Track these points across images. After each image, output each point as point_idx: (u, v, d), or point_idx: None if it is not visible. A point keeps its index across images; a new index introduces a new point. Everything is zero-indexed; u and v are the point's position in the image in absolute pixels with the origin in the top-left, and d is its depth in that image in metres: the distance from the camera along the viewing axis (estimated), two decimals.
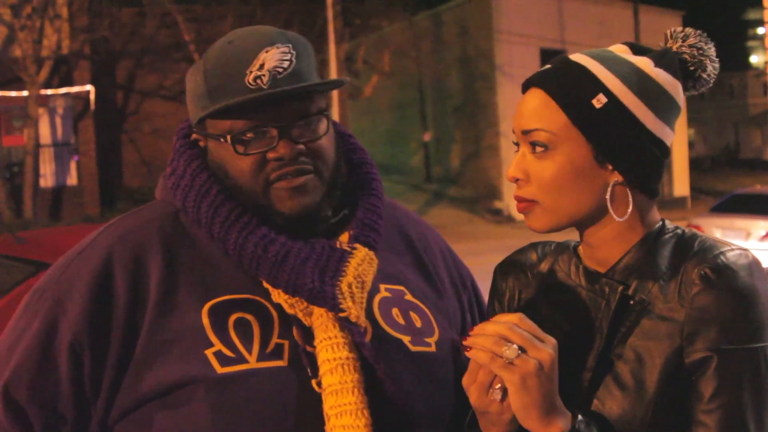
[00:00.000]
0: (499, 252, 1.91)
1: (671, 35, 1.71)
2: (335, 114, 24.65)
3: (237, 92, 1.60)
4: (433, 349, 1.72)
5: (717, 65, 1.71)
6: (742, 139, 52.71)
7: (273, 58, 1.62)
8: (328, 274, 1.62)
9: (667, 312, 1.57)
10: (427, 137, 35.39)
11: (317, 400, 1.55)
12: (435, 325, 1.77)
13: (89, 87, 23.22)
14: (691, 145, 47.56)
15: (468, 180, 33.61)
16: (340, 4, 25.08)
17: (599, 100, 1.60)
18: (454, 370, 1.73)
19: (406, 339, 1.70)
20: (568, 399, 1.58)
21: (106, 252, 1.63)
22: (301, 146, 1.63)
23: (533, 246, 1.86)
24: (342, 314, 1.59)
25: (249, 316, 1.60)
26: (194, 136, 1.74)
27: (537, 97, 1.65)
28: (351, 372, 1.56)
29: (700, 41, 1.69)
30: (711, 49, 1.70)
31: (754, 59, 58.14)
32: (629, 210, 1.63)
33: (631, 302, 1.61)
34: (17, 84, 22.03)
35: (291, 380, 1.56)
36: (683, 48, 1.69)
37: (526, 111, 1.65)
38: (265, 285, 1.62)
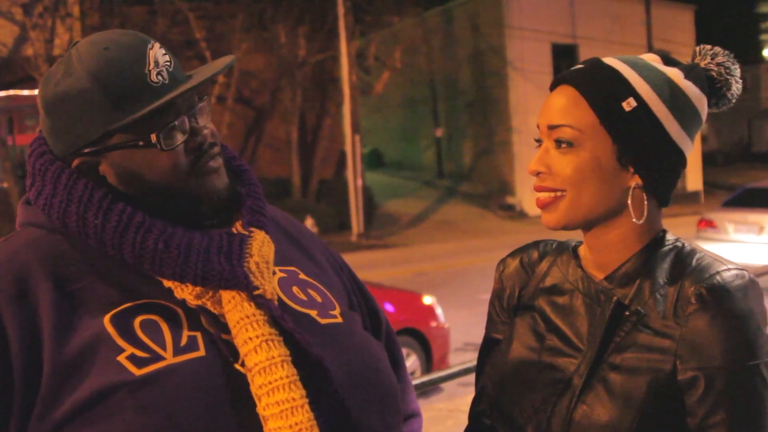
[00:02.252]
0: (512, 248, 1.91)
1: (700, 52, 1.74)
2: (346, 111, 24.66)
3: (144, 93, 1.57)
4: (340, 320, 1.72)
5: (740, 86, 1.74)
6: (754, 134, 52.52)
7: (159, 54, 1.62)
8: (234, 257, 1.61)
9: (662, 327, 1.59)
10: (438, 133, 35.41)
11: (243, 382, 1.52)
12: (333, 300, 1.77)
13: None
14: (704, 139, 47.38)
15: (480, 176, 33.59)
16: (350, 0, 25.08)
17: (629, 104, 1.62)
18: (360, 337, 1.74)
19: (313, 313, 1.69)
20: (559, 402, 1.62)
21: None
22: (208, 129, 1.66)
23: (535, 244, 1.87)
24: (257, 292, 1.57)
25: (154, 317, 1.55)
26: (79, 161, 1.63)
27: (567, 94, 1.66)
28: (277, 347, 1.53)
29: (727, 61, 1.72)
30: (737, 70, 1.73)
31: (767, 53, 57.89)
32: (644, 214, 1.65)
33: (627, 313, 1.63)
34: (29, 83, 22.11)
35: (213, 368, 1.52)
36: (711, 65, 1.72)
37: (555, 106, 1.66)
38: (166, 284, 1.57)
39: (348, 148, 24.85)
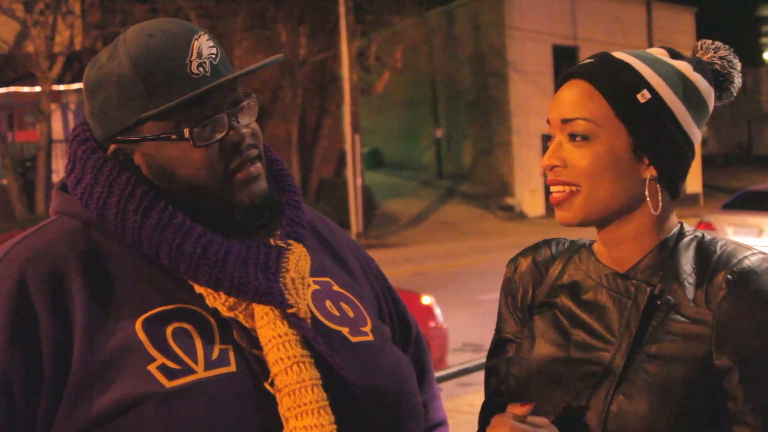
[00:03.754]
0: (511, 248, 1.91)
1: (702, 47, 1.75)
2: (347, 110, 24.65)
3: (183, 83, 1.53)
4: (371, 337, 1.69)
5: (741, 80, 1.76)
6: (754, 136, 52.49)
7: (204, 45, 1.58)
8: (270, 271, 1.57)
9: (694, 314, 1.60)
10: (439, 134, 35.40)
11: (272, 402, 1.49)
12: (365, 314, 1.74)
13: None
14: (703, 141, 47.30)
15: (479, 176, 33.59)
16: (351, 0, 25.07)
17: (644, 96, 1.63)
18: (390, 355, 1.72)
19: (345, 330, 1.66)
20: (595, 395, 1.62)
21: (18, 276, 1.49)
22: (249, 129, 1.61)
23: (546, 243, 1.87)
24: (290, 310, 1.54)
25: (186, 325, 1.51)
26: (114, 147, 1.59)
27: (579, 87, 1.66)
28: (308, 369, 1.50)
29: (729, 54, 1.74)
30: (738, 63, 1.75)
31: (767, 56, 57.87)
32: (660, 206, 1.66)
33: (658, 302, 1.63)
34: (30, 80, 22.11)
35: (243, 385, 1.49)
36: (714, 59, 1.73)
37: (568, 100, 1.67)
38: (198, 290, 1.54)
39: (348, 148, 24.84)
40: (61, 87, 22.66)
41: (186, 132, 1.54)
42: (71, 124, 23.80)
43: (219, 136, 1.56)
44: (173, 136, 1.55)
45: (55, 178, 22.95)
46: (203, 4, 25.07)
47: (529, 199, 31.49)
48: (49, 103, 21.76)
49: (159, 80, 1.53)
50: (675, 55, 1.71)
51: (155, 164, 1.58)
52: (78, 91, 23.39)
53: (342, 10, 24.41)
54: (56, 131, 23.21)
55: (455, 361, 8.36)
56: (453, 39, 34.75)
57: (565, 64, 32.15)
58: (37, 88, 21.80)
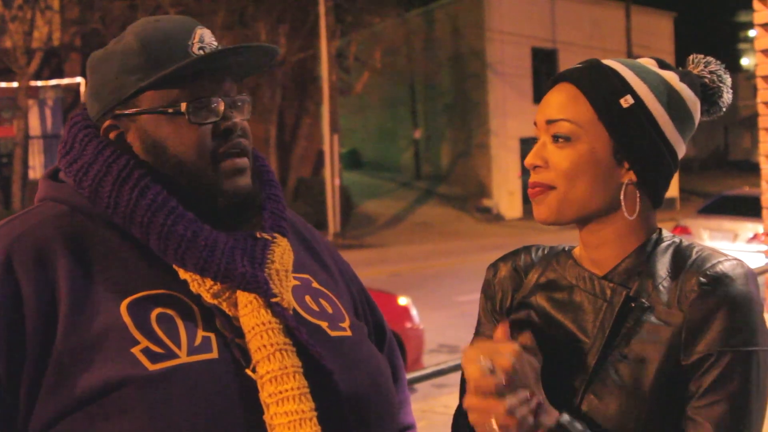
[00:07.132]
0: (488, 250, 1.92)
1: (693, 60, 1.78)
2: (325, 110, 24.63)
3: (183, 60, 1.60)
4: (349, 333, 1.72)
5: (731, 95, 1.78)
6: (731, 141, 52.83)
7: (207, 34, 1.67)
8: (256, 261, 1.60)
9: (666, 316, 1.62)
10: (417, 135, 35.44)
11: (253, 389, 1.51)
12: (343, 311, 1.77)
13: (80, 79, 23.18)
14: None
15: (457, 178, 33.65)
16: (332, 0, 25.07)
17: (627, 101, 1.65)
18: (367, 350, 1.75)
19: (324, 324, 1.69)
20: (567, 395, 1.64)
21: (4, 255, 1.52)
22: (241, 122, 1.67)
23: (527, 249, 1.89)
24: (274, 299, 1.57)
25: (170, 311, 1.53)
26: (109, 122, 1.65)
27: (566, 90, 1.69)
28: (290, 357, 1.52)
29: (719, 69, 1.77)
30: (728, 79, 1.78)
31: (745, 62, 58.16)
32: (637, 211, 1.69)
33: (632, 305, 1.66)
34: (7, 75, 21.99)
35: (224, 371, 1.51)
36: (704, 72, 1.76)
37: (554, 102, 1.69)
38: (182, 276, 1.56)
39: (326, 148, 24.83)
40: (39, 83, 22.55)
41: (183, 106, 1.60)
42: (48, 121, 23.71)
43: (213, 119, 1.62)
44: (170, 110, 1.61)
45: (32, 174, 22.85)
46: (182, 1, 24.99)
47: (507, 201, 31.58)
48: (26, 98, 21.65)
49: (160, 55, 1.61)
50: (663, 65, 1.74)
51: (148, 139, 1.63)
52: (56, 87, 23.30)
53: (322, 9, 24.41)
54: (33, 127, 23.09)
55: (431, 362, 8.37)
56: (432, 40, 34.80)
57: (544, 67, 32.31)
58: (15, 84, 21.68)
